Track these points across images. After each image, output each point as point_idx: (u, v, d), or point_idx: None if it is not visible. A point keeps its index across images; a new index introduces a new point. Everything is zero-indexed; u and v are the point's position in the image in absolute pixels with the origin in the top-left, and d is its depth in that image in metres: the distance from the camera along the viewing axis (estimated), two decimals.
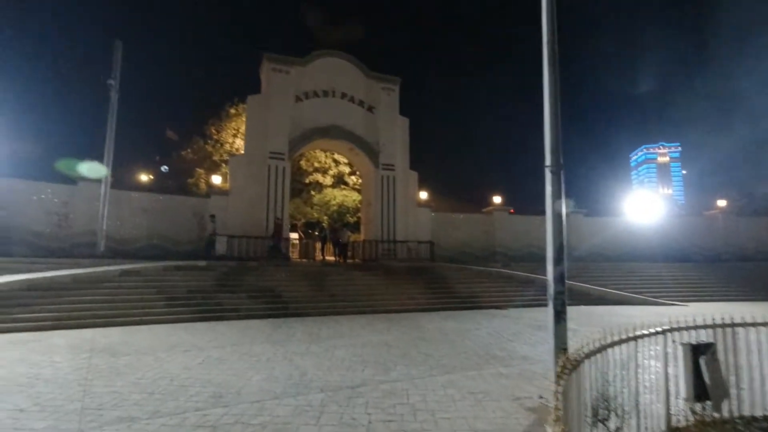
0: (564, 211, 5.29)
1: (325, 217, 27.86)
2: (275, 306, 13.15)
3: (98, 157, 16.21)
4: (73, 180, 16.14)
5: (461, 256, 23.01)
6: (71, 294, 11.38)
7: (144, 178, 32.01)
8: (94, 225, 15.57)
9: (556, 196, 5.17)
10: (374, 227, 21.04)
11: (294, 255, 20.48)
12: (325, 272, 16.79)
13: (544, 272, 18.23)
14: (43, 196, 15.67)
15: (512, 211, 25.02)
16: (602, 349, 3.73)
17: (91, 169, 15.91)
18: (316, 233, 20.96)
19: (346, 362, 7.42)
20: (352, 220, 27.62)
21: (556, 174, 5.16)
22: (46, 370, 6.55)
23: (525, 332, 10.50)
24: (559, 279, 5.09)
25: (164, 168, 37.83)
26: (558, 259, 5.09)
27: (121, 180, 20.56)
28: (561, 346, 5.00)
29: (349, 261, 19.94)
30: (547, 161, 5.21)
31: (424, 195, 23.03)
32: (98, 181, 15.66)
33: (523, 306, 15.42)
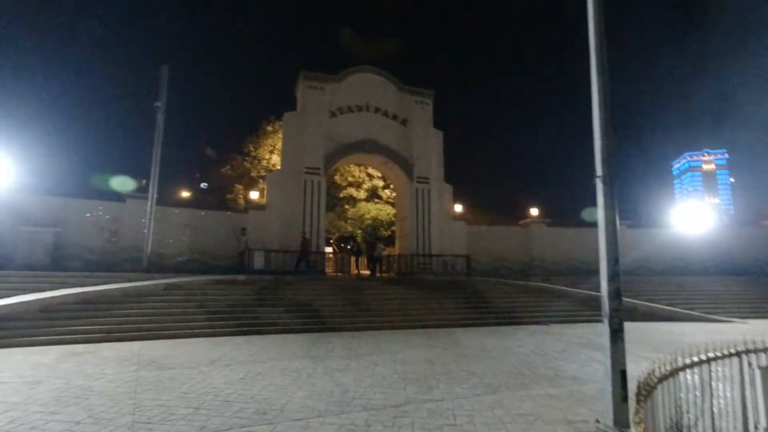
0: (617, 223, 5.03)
1: (359, 231, 27.96)
2: (312, 320, 13.17)
3: (145, 176, 16.97)
4: (122, 197, 16.94)
5: (498, 270, 22.49)
6: (119, 307, 11.80)
7: (184, 194, 33.28)
8: (140, 240, 16.20)
9: (609, 207, 4.92)
10: (409, 241, 20.91)
11: (329, 269, 20.59)
12: (361, 286, 16.74)
13: (585, 286, 17.55)
14: (94, 214, 16.48)
15: (550, 223, 24.32)
16: (674, 372, 3.45)
17: (124, 183, 17.04)
18: (349, 247, 20.94)
19: (387, 379, 7.28)
20: (386, 233, 27.60)
21: (608, 184, 4.92)
22: (98, 383, 6.75)
23: (571, 350, 10.03)
24: (615, 295, 4.81)
25: (203, 185, 39.22)
26: (613, 275, 4.82)
27: (163, 196, 21.41)
28: (619, 368, 4.69)
29: (384, 275, 19.84)
30: (598, 171, 4.97)
31: (459, 208, 22.78)
32: (144, 198, 16.34)
33: (566, 322, 14.84)
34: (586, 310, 16.17)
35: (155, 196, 16.18)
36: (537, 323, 14.48)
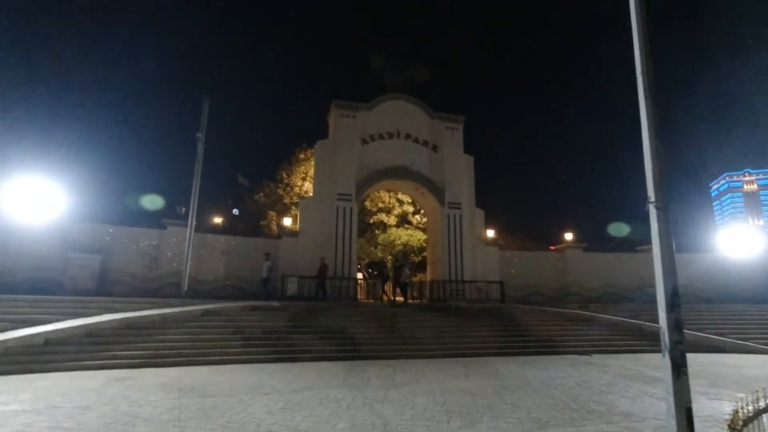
0: (673, 249, 4.83)
1: (390, 257, 27.88)
2: (346, 348, 13.06)
3: (183, 203, 17.60)
4: (163, 225, 17.57)
5: (533, 297, 21.88)
6: (160, 332, 12.06)
7: (216, 220, 34.19)
8: (179, 266, 16.65)
9: (665, 234, 4.74)
10: (441, 267, 20.68)
11: (360, 295, 20.52)
12: (394, 313, 16.56)
13: (627, 314, 16.83)
14: (137, 240, 17.12)
15: (585, 248, 23.61)
16: (758, 414, 3.21)
17: (154, 201, 17.87)
18: (376, 273, 20.69)
19: (429, 411, 7.08)
20: (416, 259, 27.41)
21: (662, 210, 4.75)
22: (144, 409, 6.84)
23: (619, 383, 9.53)
24: (676, 327, 4.57)
25: (235, 211, 40.21)
26: (673, 305, 4.59)
27: (199, 223, 22.09)
28: (684, 405, 4.41)
29: (413, 300, 19.60)
30: (651, 196, 4.82)
31: (491, 233, 22.46)
32: (184, 225, 16.88)
33: (609, 352, 14.17)
34: (629, 340, 15.44)
35: (194, 223, 16.68)
36: (577, 353, 13.90)
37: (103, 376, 9.20)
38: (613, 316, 17.28)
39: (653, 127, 4.90)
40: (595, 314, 17.63)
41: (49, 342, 10.38)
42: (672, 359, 4.54)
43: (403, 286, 19.68)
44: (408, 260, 27.44)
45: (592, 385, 9.24)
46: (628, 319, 16.97)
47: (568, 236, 23.65)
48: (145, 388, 8.31)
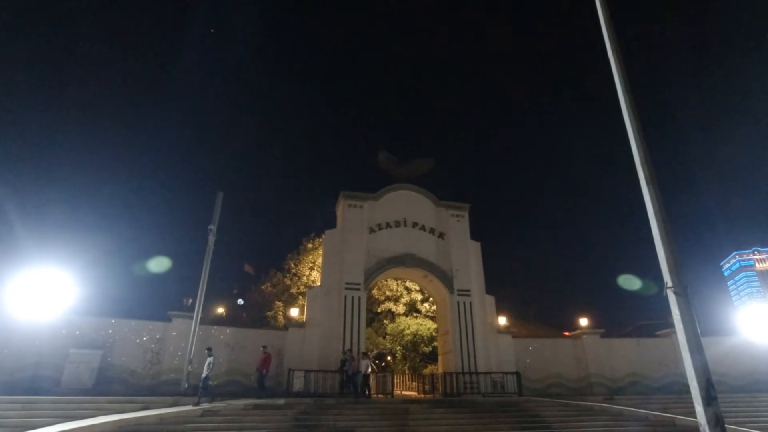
0: (699, 337, 4.64)
1: (399, 348, 26.81)
2: None
3: (191, 292, 17.46)
4: (168, 318, 17.26)
5: (552, 389, 20.54)
6: None
7: (220, 310, 33.52)
8: (181, 361, 16.02)
9: (689, 321, 4.60)
10: (453, 357, 19.78)
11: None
12: (406, 410, 15.47)
13: (656, 407, 15.64)
14: (140, 334, 16.69)
15: (603, 333, 22.65)
16: None
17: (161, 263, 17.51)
18: (383, 365, 18.93)
19: None
20: (427, 349, 26.30)
21: (682, 295, 4.66)
22: None
23: None
24: (716, 423, 4.23)
25: (240, 301, 39.59)
26: (709, 398, 4.30)
27: (204, 314, 21.71)
28: None
29: (429, 396, 18.40)
30: (668, 281, 4.76)
31: (503, 320, 21.78)
32: (189, 317, 16.57)
33: None
34: None
35: (200, 315, 16.40)
36: None
37: None
38: (642, 409, 16.04)
39: (659, 214, 4.99)
40: (622, 408, 16.38)
41: None
42: None
43: (364, 380, 17.05)
44: (418, 350, 26.34)
45: None
46: (659, 413, 15.72)
47: (584, 321, 22.81)
48: None
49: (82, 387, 14.20)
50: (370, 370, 17.50)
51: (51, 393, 13.46)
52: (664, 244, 4.84)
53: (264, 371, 16.36)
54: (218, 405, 13.80)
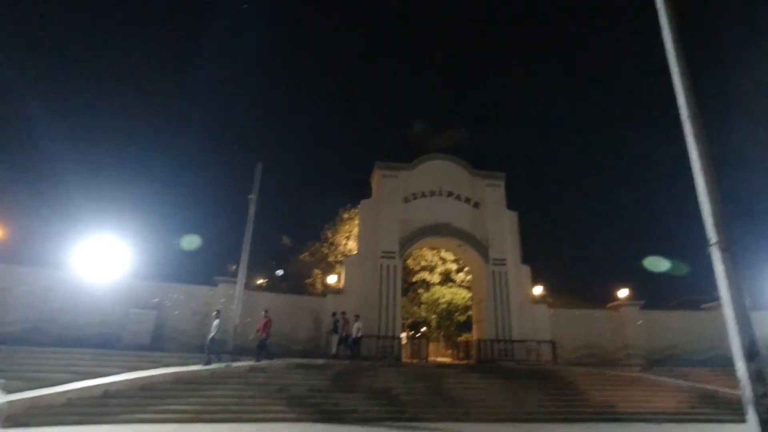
0: (743, 293, 4.56)
1: (434, 316, 27.26)
2: (392, 408, 12.59)
3: (233, 260, 18.33)
4: (214, 282, 18.28)
5: (587, 359, 20.44)
6: (208, 388, 12.19)
7: (260, 281, 34.92)
8: (228, 322, 17.01)
9: (732, 276, 4.52)
10: (487, 326, 19.97)
11: (405, 355, 19.98)
12: (439, 374, 15.94)
13: (699, 378, 15.20)
14: (189, 296, 17.79)
15: (643, 305, 22.12)
16: None
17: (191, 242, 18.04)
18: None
19: None
20: (462, 318, 26.62)
21: (726, 251, 4.57)
22: None
23: None
24: (758, 377, 4.21)
25: (279, 272, 40.96)
26: (751, 353, 4.27)
27: (246, 282, 22.76)
28: None
29: (464, 362, 18.79)
30: (712, 237, 4.67)
31: (539, 290, 21.67)
32: (233, 282, 17.46)
33: (679, 421, 12.77)
34: (703, 408, 13.93)
35: (244, 280, 17.24)
36: (644, 420, 12.67)
37: (155, 430, 9.32)
38: (682, 380, 15.79)
39: (706, 169, 4.85)
40: (660, 378, 16.19)
41: (107, 394, 10.75)
42: (759, 414, 4.15)
43: (352, 343, 17.14)
44: (452, 319, 26.67)
45: None
46: (699, 384, 15.44)
47: (623, 293, 22.34)
48: None
49: (141, 343, 15.45)
50: (360, 333, 17.26)
51: (115, 347, 14.77)
52: (709, 197, 4.72)
53: (264, 335, 15.81)
54: (263, 362, 14.67)
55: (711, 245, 4.71)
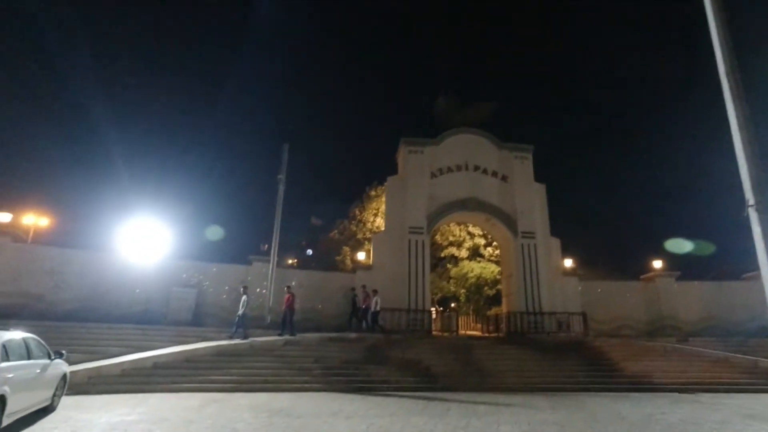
0: None
1: (463, 291, 27.41)
2: (423, 379, 12.92)
3: (266, 240, 18.88)
4: (249, 261, 18.99)
5: (620, 330, 20.23)
6: (247, 360, 12.84)
7: (290, 261, 35.87)
8: (262, 299, 17.69)
9: None
10: (517, 299, 19.98)
11: (435, 329, 20.29)
12: (470, 345, 16.18)
13: (735, 349, 14.84)
14: (225, 275, 18.55)
15: (679, 276, 21.55)
16: None
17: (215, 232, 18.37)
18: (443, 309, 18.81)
19: None
20: (491, 292, 26.67)
21: (764, 213, 4.46)
22: (240, 425, 7.34)
23: (733, 421, 8.51)
24: None
25: (309, 251, 41.95)
26: None
27: (278, 260, 23.46)
28: None
29: (494, 335, 18.95)
30: (750, 199, 4.55)
31: (569, 263, 21.42)
32: (267, 260, 18.07)
33: (717, 391, 12.58)
34: (742, 378, 13.67)
35: (276, 258, 17.80)
36: (679, 391, 12.55)
37: (200, 397, 9.96)
38: (720, 351, 15.47)
39: (744, 128, 4.69)
40: (696, 348, 15.90)
41: (156, 365, 11.54)
42: None
43: (372, 316, 17.33)
44: (482, 293, 26.71)
45: (700, 423, 8.34)
46: (739, 355, 15.10)
47: (658, 264, 21.81)
48: (238, 408, 8.87)
49: (183, 320, 16.32)
50: (379, 307, 17.52)
51: (160, 323, 15.69)
52: (747, 159, 4.60)
53: (288, 310, 15.86)
54: (297, 336, 15.25)
55: (748, 207, 4.60)
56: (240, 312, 14.87)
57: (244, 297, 15.26)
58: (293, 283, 17.70)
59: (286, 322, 15.67)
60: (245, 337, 14.36)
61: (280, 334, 15.23)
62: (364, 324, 17.50)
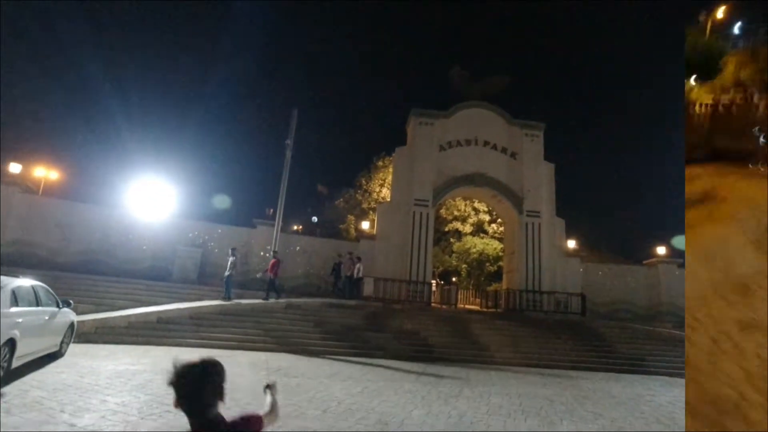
0: None
1: (464, 266, 27.63)
2: (420, 348, 13.22)
3: (271, 204, 19.01)
4: (253, 224, 19.18)
5: (618, 314, 20.42)
6: (249, 320, 13.17)
7: (295, 227, 36.22)
8: (265, 262, 17.95)
9: None
10: (518, 276, 20.13)
11: (434, 301, 20.59)
12: (468, 319, 16.45)
13: None
14: (230, 237, 18.78)
15: (682, 263, 21.55)
16: None
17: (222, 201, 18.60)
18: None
19: (505, 409, 7.06)
20: (492, 269, 26.88)
21: None
22: (240, 380, 7.59)
23: None
24: None
25: (314, 218, 42.25)
26: None
27: (283, 226, 23.67)
28: None
29: (492, 310, 19.22)
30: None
31: (572, 244, 21.42)
32: (271, 224, 18.23)
33: None
34: None
35: (281, 223, 17.94)
36: (671, 375, 12.76)
37: (203, 353, 10.23)
38: None
39: None
40: None
41: (161, 320, 11.90)
42: None
43: (353, 283, 17.35)
44: (483, 269, 26.91)
45: None
46: None
47: (661, 250, 21.77)
48: (239, 365, 9.17)
49: (188, 278, 16.65)
50: (361, 274, 17.54)
51: (165, 281, 16.02)
52: None
53: (272, 275, 15.54)
54: (299, 300, 15.56)
55: None
56: (227, 273, 14.61)
57: (231, 258, 14.95)
58: (277, 251, 17.34)
59: (273, 286, 15.50)
60: (229, 299, 14.22)
61: (265, 299, 14.96)
62: (337, 288, 17.63)
